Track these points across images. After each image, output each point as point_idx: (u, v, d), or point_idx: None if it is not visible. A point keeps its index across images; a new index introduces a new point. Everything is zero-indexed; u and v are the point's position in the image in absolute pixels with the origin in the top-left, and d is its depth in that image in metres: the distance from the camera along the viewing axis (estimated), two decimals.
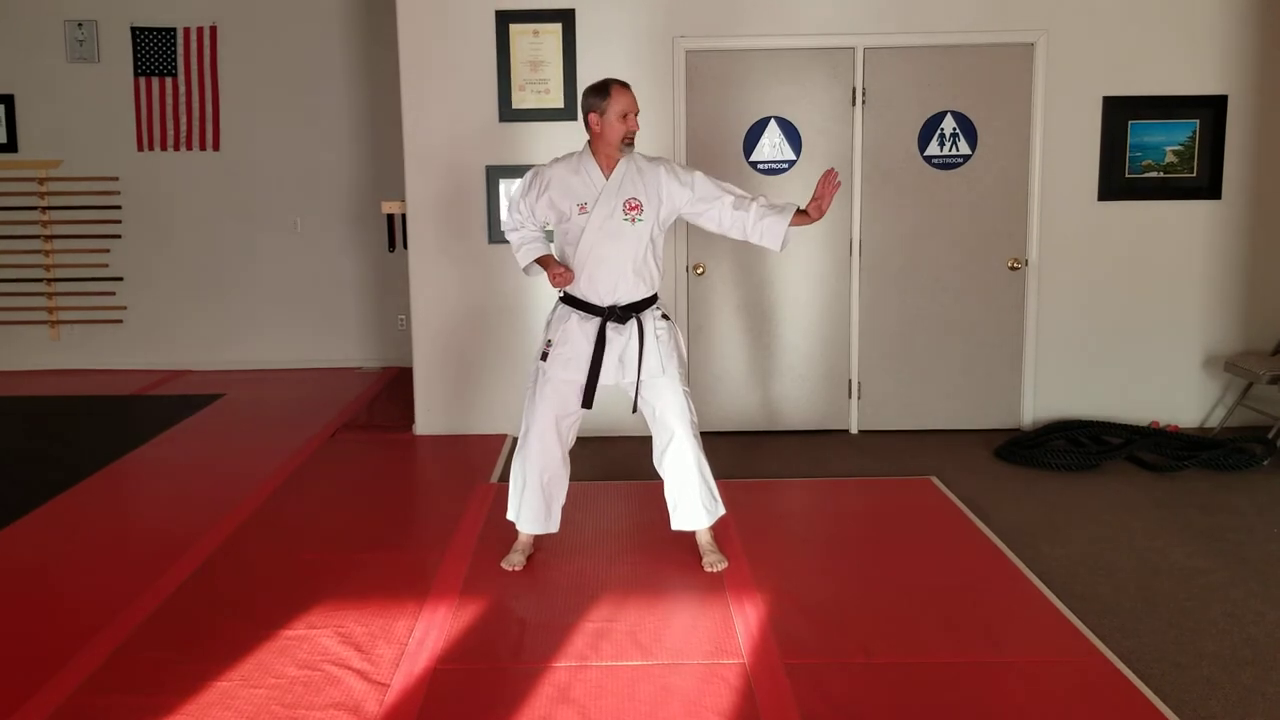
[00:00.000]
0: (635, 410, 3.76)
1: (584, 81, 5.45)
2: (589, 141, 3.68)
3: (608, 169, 3.63)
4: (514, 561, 3.77)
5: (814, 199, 3.58)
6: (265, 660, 3.07)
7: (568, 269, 3.61)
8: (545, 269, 3.69)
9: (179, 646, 3.17)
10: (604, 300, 3.64)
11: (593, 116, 3.61)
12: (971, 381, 5.70)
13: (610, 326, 3.64)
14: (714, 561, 3.74)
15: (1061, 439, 5.33)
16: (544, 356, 3.69)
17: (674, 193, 3.67)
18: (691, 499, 3.74)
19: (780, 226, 3.62)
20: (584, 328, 3.65)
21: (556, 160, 3.74)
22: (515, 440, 5.53)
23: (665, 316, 3.74)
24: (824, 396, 5.73)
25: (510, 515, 3.84)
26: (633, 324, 3.65)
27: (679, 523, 3.79)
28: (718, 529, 3.88)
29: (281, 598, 3.51)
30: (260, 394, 6.95)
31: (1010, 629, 3.27)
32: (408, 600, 3.49)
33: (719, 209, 3.67)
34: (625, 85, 3.61)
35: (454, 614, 3.39)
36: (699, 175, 3.70)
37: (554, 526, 3.83)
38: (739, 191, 3.69)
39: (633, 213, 3.61)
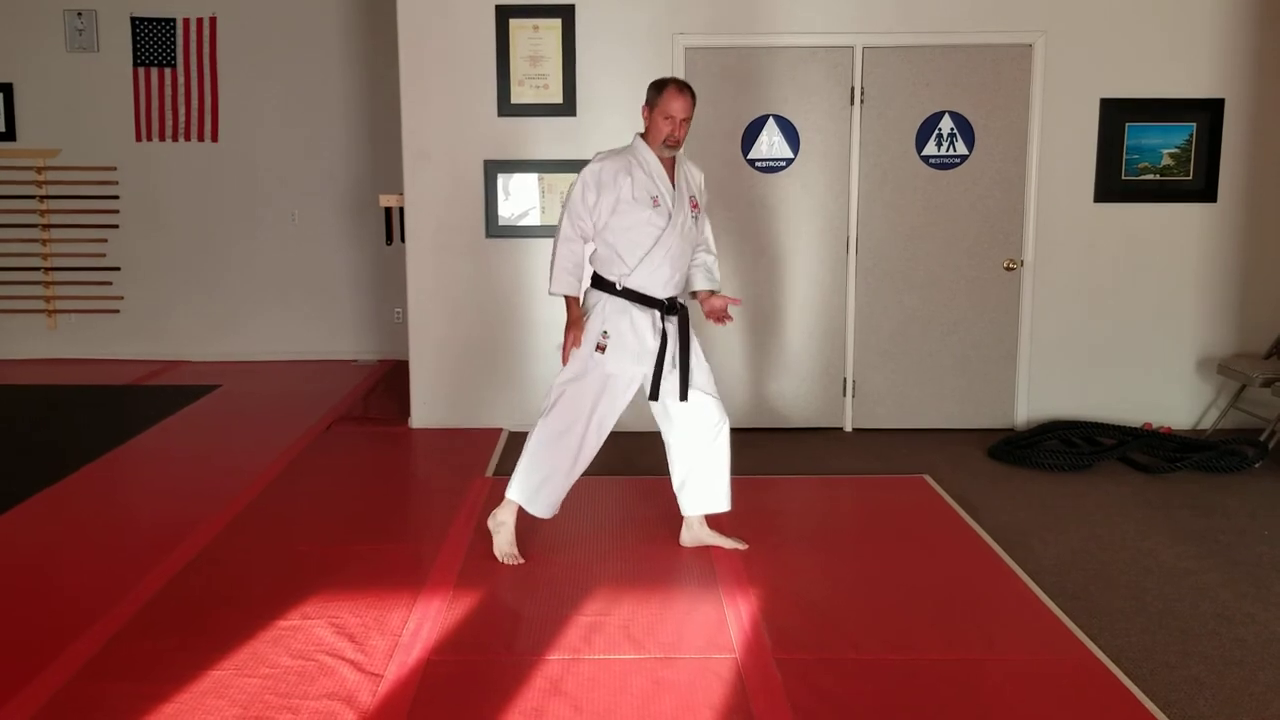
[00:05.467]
0: (654, 398, 3.76)
1: (583, 77, 5.48)
2: (641, 136, 3.70)
3: (668, 166, 3.69)
4: (514, 554, 3.76)
5: (712, 310, 3.80)
6: (260, 650, 3.08)
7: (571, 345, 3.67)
8: (574, 320, 3.67)
9: (174, 636, 3.17)
10: (663, 294, 3.68)
11: (645, 109, 3.66)
12: (966, 381, 5.72)
13: (665, 318, 3.69)
14: (737, 542, 3.89)
15: (1054, 439, 5.35)
16: (599, 348, 3.66)
17: (703, 202, 3.84)
18: (719, 480, 3.84)
19: (693, 286, 3.83)
20: (644, 320, 3.66)
21: (606, 157, 3.65)
22: (510, 435, 5.57)
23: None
24: (819, 394, 5.75)
25: (520, 498, 3.75)
26: (675, 316, 3.72)
27: (703, 504, 3.86)
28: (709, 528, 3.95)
29: (276, 588, 3.52)
30: (256, 386, 6.95)
31: (1001, 627, 3.28)
32: (402, 592, 3.50)
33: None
34: (683, 89, 3.61)
35: (448, 606, 3.40)
36: (706, 197, 3.89)
37: (558, 509, 3.84)
38: (708, 230, 3.87)
39: (694, 211, 3.73)
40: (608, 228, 3.65)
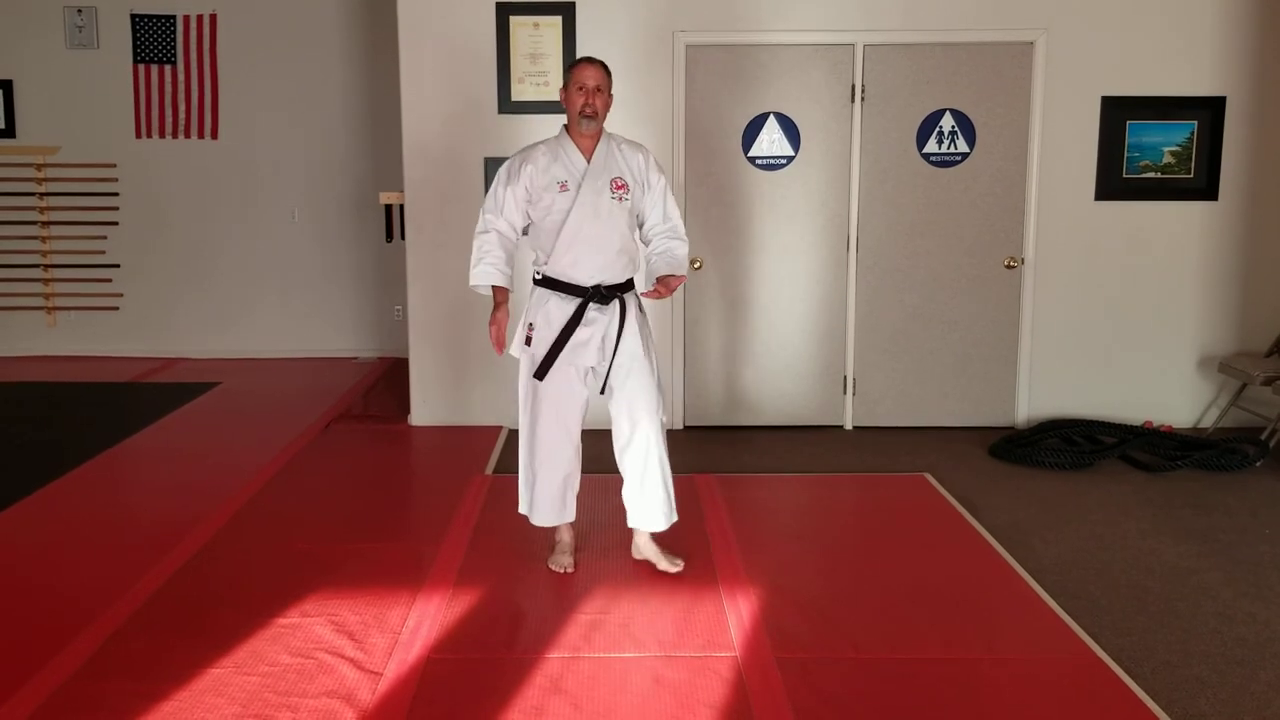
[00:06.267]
0: (603, 393, 3.65)
1: None
2: (565, 126, 3.63)
3: (587, 151, 3.58)
4: (564, 563, 3.68)
5: (659, 286, 3.60)
6: (259, 648, 3.08)
7: (501, 340, 3.58)
8: (494, 309, 3.60)
9: (173, 634, 3.17)
10: (588, 281, 3.55)
11: (562, 93, 3.61)
12: (967, 379, 5.71)
13: (592, 307, 3.55)
14: (670, 564, 3.68)
15: (1055, 438, 5.34)
16: (528, 341, 3.60)
17: (651, 183, 3.66)
18: (652, 498, 3.64)
19: (656, 272, 3.66)
20: (564, 309, 3.56)
21: (525, 148, 3.66)
22: (510, 432, 5.56)
23: (640, 308, 3.70)
24: (819, 392, 5.74)
25: (523, 510, 3.76)
26: (615, 305, 3.58)
27: (637, 521, 3.70)
28: (709, 527, 3.90)
29: (275, 586, 3.52)
30: (255, 383, 6.95)
31: (1002, 626, 3.28)
32: (402, 590, 3.49)
33: (649, 220, 3.70)
34: (593, 60, 3.58)
35: (448, 604, 3.39)
36: (663, 179, 3.69)
37: (570, 515, 3.75)
38: (674, 216, 3.69)
39: (619, 191, 3.56)
40: (532, 220, 3.62)
